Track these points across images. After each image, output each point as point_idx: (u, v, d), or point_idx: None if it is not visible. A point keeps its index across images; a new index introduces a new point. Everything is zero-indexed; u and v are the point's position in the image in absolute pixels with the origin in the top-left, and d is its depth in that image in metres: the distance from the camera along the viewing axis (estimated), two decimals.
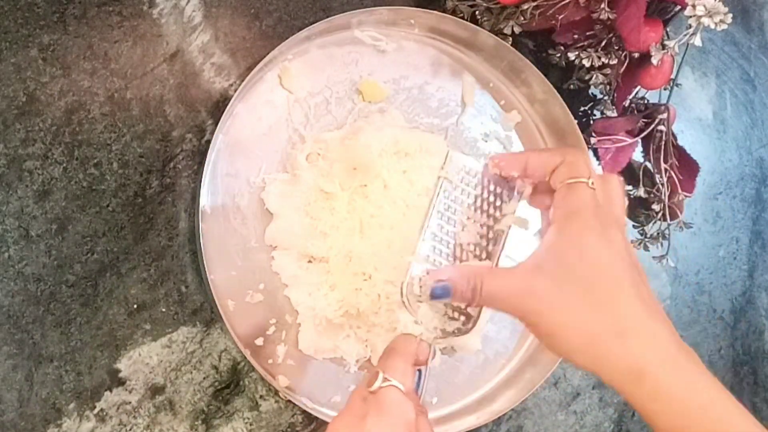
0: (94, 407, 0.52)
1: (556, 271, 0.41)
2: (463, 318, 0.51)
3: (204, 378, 0.55)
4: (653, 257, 0.69)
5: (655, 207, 0.68)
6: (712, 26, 0.56)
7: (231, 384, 0.56)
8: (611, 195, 0.44)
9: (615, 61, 0.63)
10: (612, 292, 0.40)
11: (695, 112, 0.78)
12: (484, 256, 0.51)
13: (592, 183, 0.43)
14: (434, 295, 0.46)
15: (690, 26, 0.57)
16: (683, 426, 0.39)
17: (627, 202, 0.45)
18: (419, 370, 0.46)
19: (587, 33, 0.62)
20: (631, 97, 0.67)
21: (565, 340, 0.41)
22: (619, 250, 0.41)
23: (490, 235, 0.52)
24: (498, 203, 0.52)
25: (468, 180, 0.52)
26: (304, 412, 0.57)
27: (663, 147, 0.66)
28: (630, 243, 0.43)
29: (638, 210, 0.70)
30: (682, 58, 0.63)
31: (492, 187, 0.52)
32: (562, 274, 0.41)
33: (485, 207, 0.52)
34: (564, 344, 0.41)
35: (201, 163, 0.56)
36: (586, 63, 0.62)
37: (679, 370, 0.39)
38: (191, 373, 0.55)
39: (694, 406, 0.39)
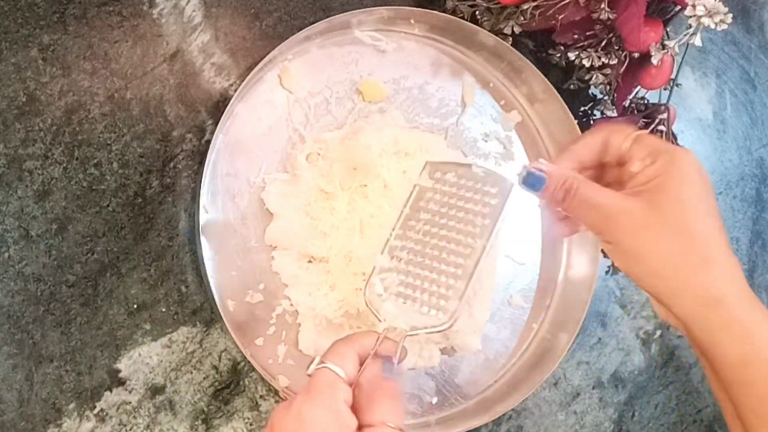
0: (94, 407, 0.52)
1: (652, 197, 0.42)
2: (437, 312, 0.49)
3: (204, 378, 0.55)
4: None
5: None
6: (712, 26, 0.56)
7: (231, 384, 0.56)
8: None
9: (615, 61, 0.63)
10: (703, 221, 0.41)
11: (695, 112, 0.78)
12: (453, 268, 0.50)
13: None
14: (526, 182, 0.45)
15: (690, 26, 0.57)
16: (745, 353, 0.40)
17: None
18: (390, 357, 0.46)
19: (587, 33, 0.62)
20: (631, 97, 0.67)
21: (649, 262, 0.42)
22: (708, 186, 0.43)
23: (462, 249, 0.50)
24: (475, 218, 0.50)
25: (445, 190, 0.51)
26: None
27: None
28: None
29: None
30: (682, 58, 0.63)
31: (469, 199, 0.51)
32: (658, 199, 0.42)
33: (460, 216, 0.51)
34: (647, 266, 0.42)
35: (201, 163, 0.56)
36: (586, 63, 0.62)
37: (753, 303, 0.41)
38: (191, 373, 0.55)
39: (761, 337, 0.40)
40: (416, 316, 0.49)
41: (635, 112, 0.68)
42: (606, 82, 0.65)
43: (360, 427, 0.41)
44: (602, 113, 0.69)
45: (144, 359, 0.53)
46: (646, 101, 0.68)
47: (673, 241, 0.41)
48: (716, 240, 0.41)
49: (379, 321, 0.49)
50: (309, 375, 0.43)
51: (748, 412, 0.41)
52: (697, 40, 0.58)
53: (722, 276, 0.41)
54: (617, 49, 0.62)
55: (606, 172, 0.47)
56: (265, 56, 0.55)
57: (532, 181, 0.44)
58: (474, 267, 0.49)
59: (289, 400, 0.42)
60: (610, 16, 0.59)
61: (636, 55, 0.63)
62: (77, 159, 0.53)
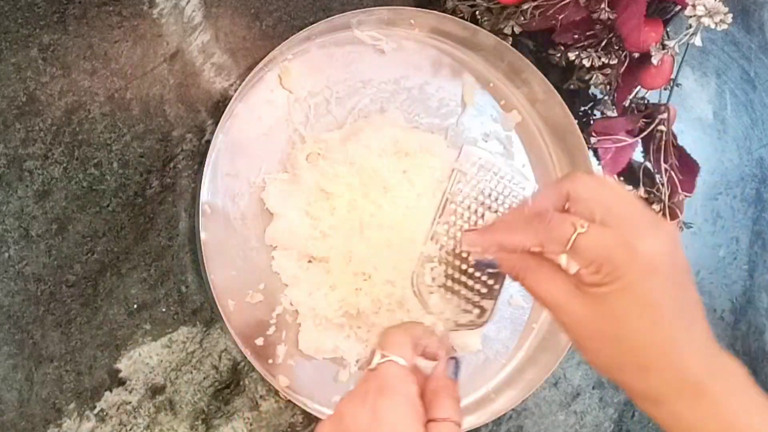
0: (94, 407, 0.52)
1: (594, 304, 0.41)
2: (477, 311, 0.48)
3: (204, 378, 0.55)
4: None
5: (655, 207, 0.68)
6: (713, 26, 0.56)
7: (231, 384, 0.56)
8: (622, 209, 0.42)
9: (615, 61, 0.63)
10: (640, 335, 0.41)
11: (695, 112, 0.78)
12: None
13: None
14: (478, 266, 0.46)
15: (690, 26, 0.57)
16: None
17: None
18: (455, 358, 0.46)
19: (587, 33, 0.62)
20: (631, 97, 0.67)
21: (593, 361, 0.43)
22: (661, 283, 0.41)
23: None
24: (513, 195, 0.50)
25: (482, 174, 0.51)
26: (304, 412, 0.57)
27: (663, 147, 0.66)
28: (682, 260, 0.42)
29: None
30: (682, 58, 0.63)
31: (508, 180, 0.50)
32: (598, 309, 0.41)
33: (500, 200, 0.51)
34: (591, 362, 0.43)
35: (201, 163, 0.56)
36: (587, 63, 0.62)
37: (704, 398, 0.40)
38: (191, 373, 0.55)
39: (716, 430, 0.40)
40: (458, 311, 0.49)
41: (635, 112, 0.68)
42: (606, 82, 0.65)
43: (426, 420, 0.41)
44: (602, 113, 0.69)
45: (144, 359, 0.53)
46: (646, 101, 0.68)
47: (610, 350, 0.41)
48: (654, 349, 0.41)
49: (427, 313, 0.48)
50: (372, 369, 0.42)
51: None
52: (698, 40, 0.58)
53: (660, 380, 0.41)
54: (617, 49, 0.62)
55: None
56: (265, 56, 0.55)
57: (485, 265, 0.47)
58: None
59: (357, 394, 0.41)
60: (610, 16, 0.59)
61: (636, 55, 0.63)
62: (77, 159, 0.53)
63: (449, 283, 0.49)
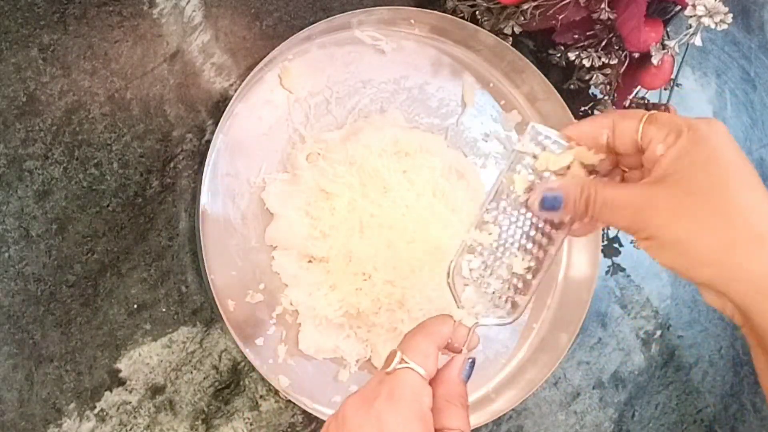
0: (95, 407, 0.52)
1: (681, 179, 0.37)
2: (509, 306, 0.46)
3: (204, 378, 0.55)
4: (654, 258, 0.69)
5: None
6: (713, 26, 0.56)
7: (231, 384, 0.56)
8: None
9: (615, 61, 0.63)
10: (747, 195, 0.37)
11: (695, 112, 0.78)
12: (531, 260, 0.47)
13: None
14: (544, 205, 0.42)
15: (690, 26, 0.57)
16: None
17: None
18: (472, 359, 0.43)
19: (587, 33, 0.62)
20: (631, 97, 0.67)
21: (694, 251, 0.37)
22: (740, 152, 0.38)
23: (543, 239, 0.46)
24: None
25: (543, 160, 0.46)
26: (304, 412, 0.57)
27: None
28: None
29: None
30: (683, 58, 0.63)
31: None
32: (688, 180, 0.37)
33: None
34: (692, 257, 0.38)
35: (201, 163, 0.56)
36: (587, 63, 0.62)
37: None
38: (191, 373, 0.55)
39: None
40: (490, 306, 0.47)
41: None
42: (606, 82, 0.65)
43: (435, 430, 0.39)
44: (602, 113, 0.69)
45: (144, 359, 0.53)
46: (646, 101, 0.68)
47: (716, 224, 0.36)
48: (765, 214, 0.37)
49: (458, 307, 0.46)
50: (388, 372, 0.39)
51: None
52: (698, 40, 0.58)
53: None
54: (617, 49, 0.62)
55: (624, 161, 0.43)
56: (265, 56, 0.55)
57: (549, 203, 0.42)
58: (550, 261, 0.45)
59: (365, 396, 0.39)
60: (611, 16, 0.59)
61: (636, 55, 0.63)
62: (77, 159, 0.53)
63: (486, 275, 0.47)
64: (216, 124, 0.56)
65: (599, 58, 0.62)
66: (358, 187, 0.58)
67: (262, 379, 0.55)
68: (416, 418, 0.38)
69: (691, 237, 0.37)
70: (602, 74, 0.64)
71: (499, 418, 0.63)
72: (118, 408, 0.52)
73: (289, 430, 0.57)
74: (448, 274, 0.46)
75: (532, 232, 0.45)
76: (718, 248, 0.37)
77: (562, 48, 0.64)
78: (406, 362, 0.39)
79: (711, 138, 0.37)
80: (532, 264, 0.45)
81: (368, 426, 0.37)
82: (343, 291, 0.57)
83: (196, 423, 0.54)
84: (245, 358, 0.55)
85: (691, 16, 0.56)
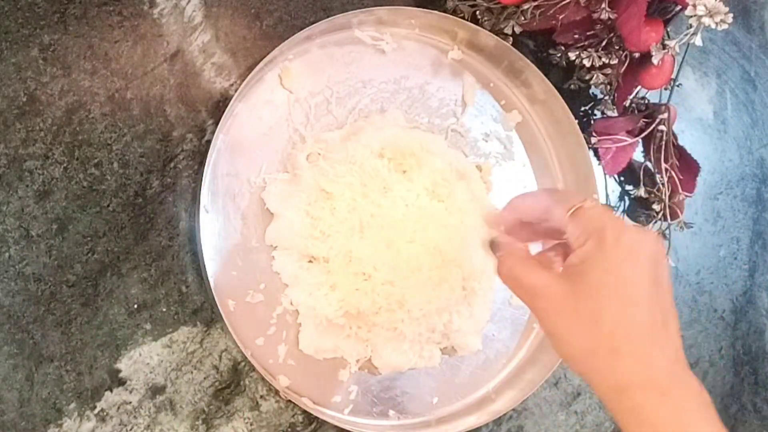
0: (95, 407, 0.52)
1: (575, 280, 0.42)
2: None
3: (204, 378, 0.55)
4: None
5: (656, 207, 0.68)
6: (713, 26, 0.56)
7: (231, 384, 0.56)
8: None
9: (615, 61, 0.63)
10: (615, 313, 0.41)
11: (696, 112, 0.78)
12: None
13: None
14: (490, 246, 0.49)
15: (690, 26, 0.57)
16: None
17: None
18: None
19: (588, 33, 0.62)
20: (631, 96, 0.67)
21: (565, 348, 0.43)
22: (641, 271, 0.42)
23: None
24: None
25: None
26: (304, 412, 0.57)
27: (663, 147, 0.66)
28: (663, 268, 0.44)
29: (639, 210, 0.70)
30: (683, 58, 0.63)
31: None
32: (579, 282, 0.42)
33: None
34: (563, 350, 0.43)
35: (201, 163, 0.56)
36: (587, 63, 0.62)
37: (665, 397, 0.40)
38: (192, 373, 0.55)
39: (663, 427, 0.40)
40: None
41: (636, 111, 0.68)
42: (606, 81, 0.65)
43: None
44: (603, 113, 0.69)
45: (144, 359, 0.53)
46: (646, 101, 0.68)
47: (584, 330, 0.42)
48: (628, 330, 0.41)
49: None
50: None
51: None
52: (698, 40, 0.58)
53: (630, 366, 0.41)
54: (618, 49, 0.62)
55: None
56: (265, 56, 0.55)
57: (493, 246, 0.49)
58: None
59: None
60: (611, 16, 0.59)
61: (636, 54, 0.63)
62: (78, 159, 0.53)
63: None
64: (216, 124, 0.56)
65: (599, 58, 0.62)
66: (358, 187, 0.58)
67: (263, 379, 0.55)
68: None
69: (564, 334, 0.43)
70: (602, 74, 0.64)
71: (500, 418, 0.63)
72: (119, 408, 0.52)
73: (289, 430, 0.57)
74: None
75: None
76: (581, 352, 0.42)
77: (563, 48, 0.64)
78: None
79: (610, 252, 0.41)
80: None
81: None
82: (343, 291, 0.57)
83: (197, 423, 0.54)
84: (245, 358, 0.55)
85: (691, 16, 0.56)
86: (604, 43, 0.62)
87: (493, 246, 0.49)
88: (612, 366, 0.41)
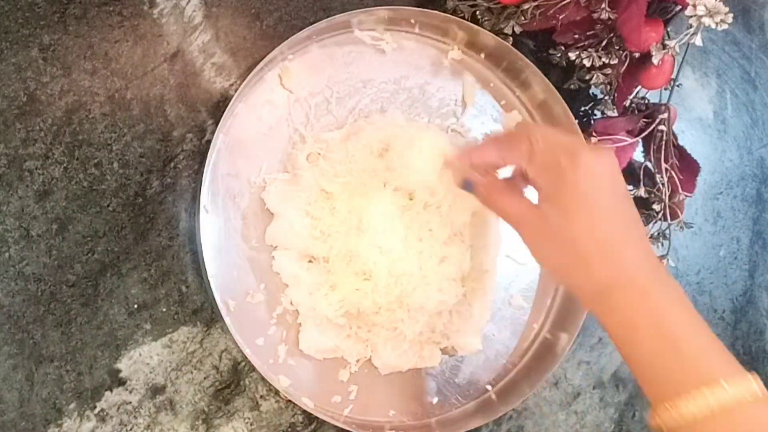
0: (95, 407, 0.52)
1: (545, 207, 0.49)
2: None
3: (204, 378, 0.55)
4: None
5: (656, 207, 0.68)
6: (713, 26, 0.56)
7: (231, 384, 0.56)
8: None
9: (615, 61, 0.62)
10: (580, 229, 0.47)
11: (696, 112, 0.78)
12: None
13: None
14: (464, 185, 0.55)
15: (691, 26, 0.57)
16: (633, 338, 0.46)
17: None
18: None
19: (588, 33, 0.62)
20: (631, 96, 0.67)
21: (546, 265, 0.51)
22: (599, 189, 0.47)
23: None
24: None
25: None
26: (304, 412, 0.57)
27: (663, 147, 0.66)
28: (620, 182, 0.49)
29: (639, 210, 0.70)
30: (683, 58, 0.63)
31: None
32: (547, 211, 0.49)
33: None
34: (546, 266, 0.52)
35: (201, 163, 0.56)
36: (587, 63, 0.62)
37: (641, 292, 0.46)
38: (192, 373, 0.55)
39: (645, 322, 0.45)
40: None
41: (636, 111, 0.68)
42: (606, 81, 0.65)
43: None
44: (603, 113, 0.69)
45: (144, 359, 0.53)
46: (646, 101, 0.68)
47: (559, 249, 0.48)
48: (594, 241, 0.47)
49: None
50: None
51: (645, 385, 0.47)
52: (698, 40, 0.58)
53: (600, 273, 0.47)
54: (618, 49, 0.62)
55: None
56: (265, 56, 0.55)
57: (466, 185, 0.54)
58: None
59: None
60: (611, 16, 0.59)
61: (636, 54, 0.63)
62: (78, 159, 0.53)
63: None
64: (216, 124, 0.56)
65: (599, 57, 0.62)
66: (358, 186, 0.57)
67: (263, 379, 0.55)
68: None
69: (544, 254, 0.50)
70: (602, 74, 0.64)
71: (499, 418, 0.63)
72: (119, 408, 0.52)
73: (289, 430, 0.57)
74: None
75: None
76: (561, 267, 0.49)
77: (563, 48, 0.64)
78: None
79: (574, 177, 0.47)
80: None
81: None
82: (343, 291, 0.57)
83: (197, 423, 0.54)
84: (245, 358, 0.55)
85: (691, 16, 0.56)
86: (604, 43, 0.62)
87: (466, 184, 0.54)
88: (587, 274, 0.47)
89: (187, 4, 0.57)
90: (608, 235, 0.47)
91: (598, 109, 0.70)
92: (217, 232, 0.55)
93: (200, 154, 0.56)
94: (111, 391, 0.52)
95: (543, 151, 0.48)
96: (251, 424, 0.56)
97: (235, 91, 0.57)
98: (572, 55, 0.63)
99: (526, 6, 0.61)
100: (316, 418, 0.56)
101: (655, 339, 0.45)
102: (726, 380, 0.42)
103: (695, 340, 0.45)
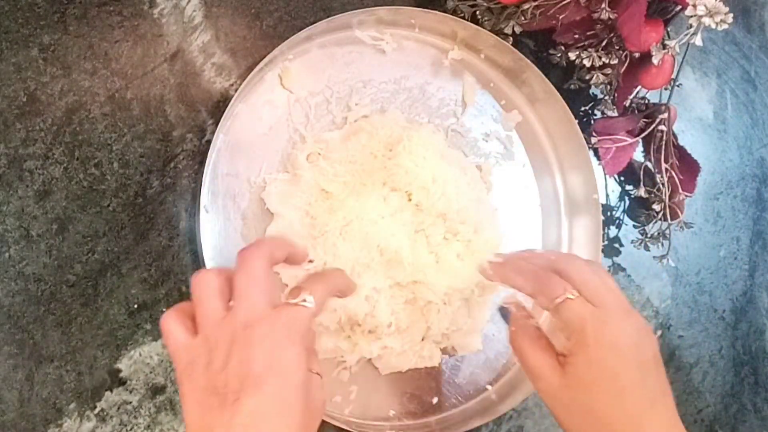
0: (95, 407, 0.52)
1: (568, 373, 0.46)
2: None
3: None
4: (654, 257, 0.69)
5: (656, 207, 0.68)
6: (713, 26, 0.56)
7: None
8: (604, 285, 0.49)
9: (616, 61, 0.63)
10: (606, 404, 0.45)
11: (696, 112, 0.78)
12: None
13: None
14: (501, 313, 0.55)
15: (691, 26, 0.57)
16: None
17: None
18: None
19: (588, 33, 0.62)
20: (631, 96, 0.67)
21: (564, 426, 0.47)
22: (625, 361, 0.46)
23: None
24: None
25: None
26: None
27: (664, 147, 0.66)
28: (647, 349, 0.47)
29: (639, 210, 0.70)
30: (683, 58, 0.63)
31: None
32: (570, 378, 0.46)
33: None
34: (562, 426, 0.47)
35: (201, 163, 0.56)
36: (587, 63, 0.62)
37: None
38: None
39: None
40: None
41: (636, 111, 0.68)
42: (607, 81, 0.65)
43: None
44: (603, 113, 0.69)
45: (144, 359, 0.53)
46: (646, 101, 0.68)
47: (579, 420, 0.46)
48: (619, 418, 0.45)
49: None
50: (291, 304, 0.42)
51: None
52: (698, 40, 0.58)
53: None
54: (618, 49, 0.62)
55: None
56: (265, 56, 0.55)
57: (502, 311, 0.55)
58: None
59: (267, 317, 0.40)
60: (611, 16, 0.59)
61: (637, 54, 0.63)
62: (78, 159, 0.53)
63: None
64: (216, 124, 0.56)
65: (599, 57, 0.62)
66: (358, 186, 0.57)
67: None
68: (310, 349, 0.43)
69: (562, 419, 0.47)
70: (602, 74, 0.64)
71: (500, 418, 0.63)
72: (119, 408, 0.52)
73: None
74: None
75: None
76: None
77: (563, 48, 0.64)
78: (307, 302, 0.42)
79: (592, 351, 0.45)
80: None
81: (273, 356, 0.39)
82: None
83: None
84: None
85: (691, 16, 0.56)
86: (604, 43, 0.62)
87: (504, 312, 0.53)
88: None
89: (187, 4, 0.57)
90: (632, 412, 0.45)
91: (598, 109, 0.70)
92: (217, 232, 0.55)
93: (200, 154, 0.56)
94: (111, 391, 0.52)
95: (572, 310, 0.47)
96: None
97: (235, 91, 0.57)
98: (572, 55, 0.63)
99: (526, 6, 0.61)
100: None
101: None
102: None
103: None
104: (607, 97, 0.68)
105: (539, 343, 0.49)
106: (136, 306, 0.54)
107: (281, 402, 0.38)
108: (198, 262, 0.55)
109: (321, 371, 0.43)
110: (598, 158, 0.67)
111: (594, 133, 0.66)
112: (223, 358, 0.39)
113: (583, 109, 0.70)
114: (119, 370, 0.53)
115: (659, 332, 0.73)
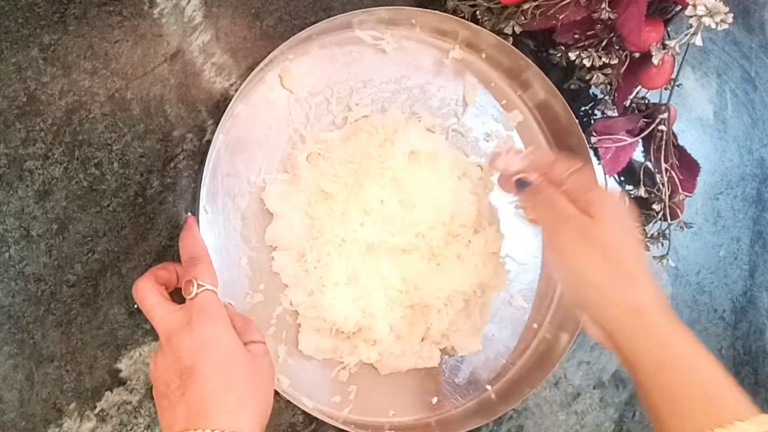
0: (95, 407, 0.52)
1: (594, 220, 0.50)
2: None
3: None
4: (654, 257, 0.69)
5: (656, 207, 0.68)
6: (713, 26, 0.56)
7: None
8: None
9: (616, 61, 0.62)
10: (629, 249, 0.50)
11: (696, 112, 0.78)
12: None
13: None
14: (520, 186, 0.56)
15: (691, 26, 0.57)
16: (661, 360, 0.47)
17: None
18: None
19: (588, 33, 0.62)
20: (631, 96, 0.67)
21: (586, 274, 0.50)
22: (633, 228, 0.53)
23: None
24: None
25: None
26: (304, 412, 0.57)
27: (663, 147, 0.66)
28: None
29: (639, 210, 0.70)
30: (683, 58, 0.63)
31: None
32: (596, 224, 0.50)
33: None
34: (583, 277, 0.50)
35: (201, 163, 0.56)
36: (587, 63, 0.62)
37: (669, 315, 0.48)
38: None
39: (675, 344, 0.47)
40: None
41: (636, 111, 0.68)
42: (607, 81, 0.65)
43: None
44: (603, 113, 0.69)
45: (144, 359, 0.53)
46: (646, 101, 0.68)
47: (606, 258, 0.49)
48: (639, 263, 0.50)
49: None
50: (191, 298, 0.46)
51: (666, 415, 0.46)
52: (698, 40, 0.58)
53: (644, 290, 0.49)
54: (618, 49, 0.62)
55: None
56: (265, 56, 0.55)
57: (520, 183, 0.56)
58: None
59: (182, 320, 0.45)
60: (611, 16, 0.59)
61: (637, 54, 0.63)
62: (78, 159, 0.53)
63: None
64: (216, 124, 0.56)
65: (599, 57, 0.62)
66: (358, 187, 0.57)
67: None
68: (226, 323, 0.46)
69: (586, 262, 0.50)
70: (602, 74, 0.64)
71: (500, 418, 0.63)
72: (119, 408, 0.52)
73: (289, 430, 0.57)
74: None
75: None
76: (602, 276, 0.49)
77: (563, 48, 0.64)
78: (203, 285, 0.46)
79: (611, 205, 0.51)
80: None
81: (194, 343, 0.44)
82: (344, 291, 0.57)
83: None
84: None
85: (691, 16, 0.56)
86: (604, 43, 0.62)
87: (521, 183, 0.55)
88: (630, 289, 0.48)
89: (187, 4, 0.57)
90: (645, 260, 0.51)
91: (598, 109, 0.70)
92: (217, 232, 0.55)
93: (200, 154, 0.56)
94: (111, 391, 0.52)
95: (586, 174, 0.53)
96: None
97: (235, 91, 0.57)
98: (572, 55, 0.63)
99: (526, 6, 0.61)
100: (316, 418, 0.56)
101: (691, 359, 0.47)
102: (745, 419, 0.44)
103: (721, 377, 0.46)
104: (607, 97, 0.68)
105: (562, 195, 0.52)
106: (136, 306, 0.53)
107: (217, 376, 0.43)
108: None
109: (262, 338, 0.48)
110: (598, 158, 0.67)
111: (594, 133, 0.66)
112: (162, 367, 0.44)
113: (583, 109, 0.70)
114: (119, 370, 0.53)
115: None
